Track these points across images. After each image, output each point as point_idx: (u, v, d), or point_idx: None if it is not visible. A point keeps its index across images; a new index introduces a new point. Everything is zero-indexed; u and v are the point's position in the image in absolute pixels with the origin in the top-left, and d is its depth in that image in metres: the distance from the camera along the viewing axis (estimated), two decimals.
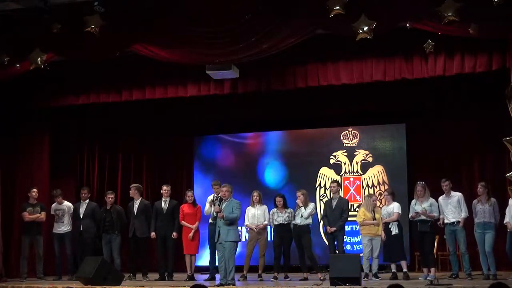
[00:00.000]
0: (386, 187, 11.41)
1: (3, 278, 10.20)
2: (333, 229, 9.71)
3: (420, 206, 9.33)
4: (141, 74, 10.47)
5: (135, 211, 10.39)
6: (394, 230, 9.59)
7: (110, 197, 10.55)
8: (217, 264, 9.08)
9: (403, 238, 9.83)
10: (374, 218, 9.69)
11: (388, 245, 9.62)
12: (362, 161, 11.89)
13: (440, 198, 9.56)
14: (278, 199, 9.95)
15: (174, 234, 10.13)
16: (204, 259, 11.44)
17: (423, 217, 9.28)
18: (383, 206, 10.40)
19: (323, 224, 10.07)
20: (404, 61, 9.50)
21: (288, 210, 9.88)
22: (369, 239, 9.72)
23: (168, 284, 9.46)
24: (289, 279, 9.91)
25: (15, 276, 10.54)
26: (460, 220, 9.37)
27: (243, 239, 11.23)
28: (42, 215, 10.64)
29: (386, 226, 9.63)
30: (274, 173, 12.22)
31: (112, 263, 10.00)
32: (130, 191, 10.58)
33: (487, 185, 9.38)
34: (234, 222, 8.65)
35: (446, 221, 9.47)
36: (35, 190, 10.74)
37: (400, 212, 9.62)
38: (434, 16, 7.97)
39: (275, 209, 9.96)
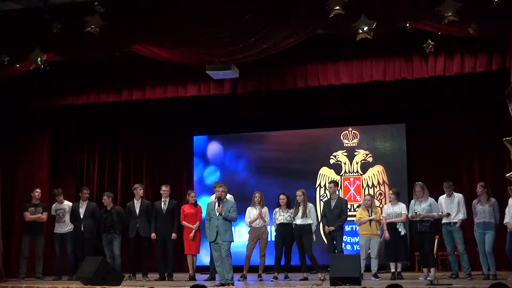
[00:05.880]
0: (386, 187, 11.43)
1: (3, 278, 10.19)
2: (331, 228, 9.72)
3: (420, 206, 9.33)
4: (141, 74, 10.47)
5: (137, 211, 10.40)
6: (403, 230, 9.60)
7: (105, 198, 10.51)
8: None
9: None
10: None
11: (395, 245, 9.60)
12: (362, 161, 11.89)
13: (441, 198, 9.57)
14: (282, 196, 9.94)
15: (174, 235, 10.14)
16: (204, 259, 11.44)
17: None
18: (382, 206, 10.41)
19: (322, 224, 10.08)
20: (404, 61, 9.50)
21: (291, 210, 9.89)
22: (367, 239, 9.72)
23: (168, 284, 9.46)
24: (289, 279, 9.91)
25: (15, 276, 10.53)
26: (457, 221, 9.39)
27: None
28: (44, 215, 10.64)
29: (394, 226, 9.62)
30: (274, 173, 12.20)
31: (113, 263, 10.01)
32: (139, 190, 10.51)
33: (486, 185, 9.39)
34: (231, 221, 8.72)
35: (444, 220, 9.48)
36: (38, 190, 10.75)
37: (407, 213, 9.61)
38: (434, 16, 7.96)
39: (277, 208, 9.97)
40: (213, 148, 12.79)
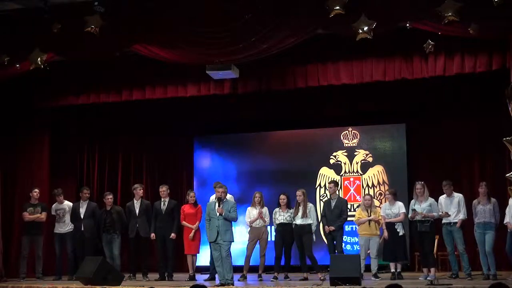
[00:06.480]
0: (386, 187, 11.42)
1: (3, 278, 10.20)
2: (331, 228, 9.72)
3: (420, 206, 9.33)
4: (141, 74, 10.47)
5: (137, 211, 10.40)
6: (401, 230, 9.60)
7: (108, 198, 10.54)
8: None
9: None
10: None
11: (394, 245, 9.59)
12: (362, 161, 11.89)
13: (441, 198, 9.57)
14: (282, 197, 9.94)
15: (173, 235, 10.14)
16: (204, 259, 11.44)
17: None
18: (382, 205, 10.40)
19: (322, 224, 10.08)
20: (404, 61, 9.50)
21: (291, 210, 9.89)
22: (366, 239, 9.72)
23: (168, 284, 9.47)
24: (289, 279, 9.91)
25: (15, 276, 10.53)
26: (457, 221, 9.39)
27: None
28: (43, 215, 10.64)
29: (392, 226, 9.62)
30: (274, 173, 12.19)
31: (112, 263, 10.01)
32: (139, 190, 10.51)
33: (488, 185, 9.40)
34: (232, 221, 8.72)
35: (444, 220, 9.48)
36: (37, 190, 10.76)
37: (405, 211, 9.60)
38: (434, 16, 7.97)
39: (277, 208, 9.97)
40: (213, 148, 12.78)
